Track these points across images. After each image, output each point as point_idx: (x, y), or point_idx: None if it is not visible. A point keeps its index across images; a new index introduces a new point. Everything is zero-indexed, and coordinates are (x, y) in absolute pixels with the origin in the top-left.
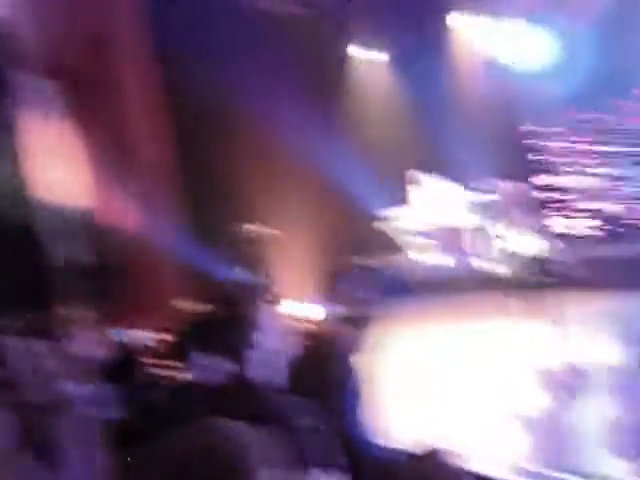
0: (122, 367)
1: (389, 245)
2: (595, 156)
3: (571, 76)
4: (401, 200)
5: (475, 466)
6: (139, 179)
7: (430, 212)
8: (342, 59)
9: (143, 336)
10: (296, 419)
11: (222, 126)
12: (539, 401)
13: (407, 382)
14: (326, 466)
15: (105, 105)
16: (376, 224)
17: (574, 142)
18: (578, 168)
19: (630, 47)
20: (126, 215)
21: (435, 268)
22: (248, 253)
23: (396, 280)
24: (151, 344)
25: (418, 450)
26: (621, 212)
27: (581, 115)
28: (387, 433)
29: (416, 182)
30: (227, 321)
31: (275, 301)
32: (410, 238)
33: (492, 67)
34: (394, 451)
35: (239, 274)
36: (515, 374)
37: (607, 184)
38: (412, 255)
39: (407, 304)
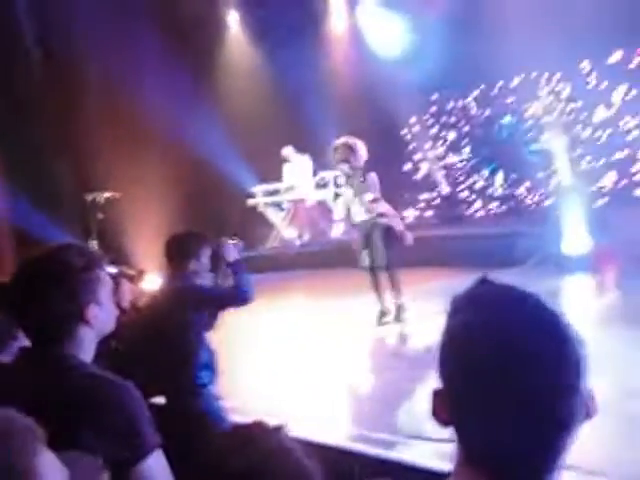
0: None
1: (257, 221)
2: (442, 142)
3: (424, 64)
4: (271, 177)
5: (307, 433)
6: None
7: (298, 189)
8: (216, 26)
9: None
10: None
11: (78, 88)
12: (373, 368)
13: (256, 354)
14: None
15: None
16: (246, 200)
17: (426, 128)
18: (429, 154)
19: (477, 42)
20: None
21: (297, 243)
22: (94, 221)
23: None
24: None
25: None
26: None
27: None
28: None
29: (287, 159)
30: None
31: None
32: (279, 214)
33: (359, 50)
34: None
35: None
36: (355, 344)
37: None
38: (279, 230)
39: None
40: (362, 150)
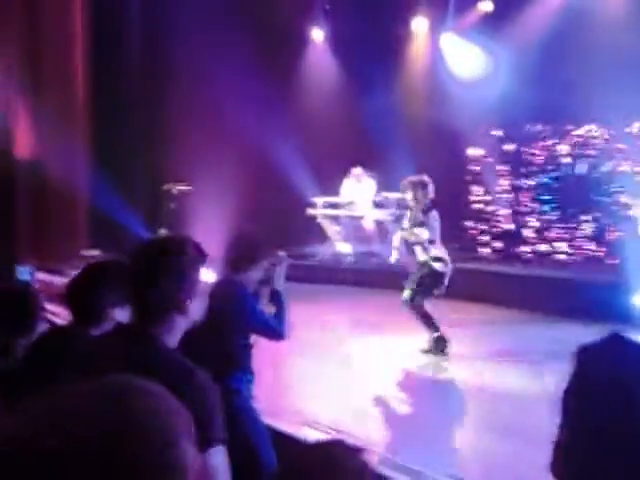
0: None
1: (314, 231)
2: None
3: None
4: (334, 190)
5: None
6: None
7: (358, 205)
8: (302, 40)
9: (50, 278)
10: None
11: (169, 86)
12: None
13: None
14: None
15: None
16: (307, 209)
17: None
18: (495, 187)
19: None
20: (42, 154)
21: (349, 258)
22: (166, 211)
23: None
24: (57, 287)
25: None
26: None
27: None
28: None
29: (354, 176)
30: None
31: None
32: (335, 227)
33: (439, 78)
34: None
35: (157, 232)
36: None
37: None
38: (333, 243)
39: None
40: (430, 187)
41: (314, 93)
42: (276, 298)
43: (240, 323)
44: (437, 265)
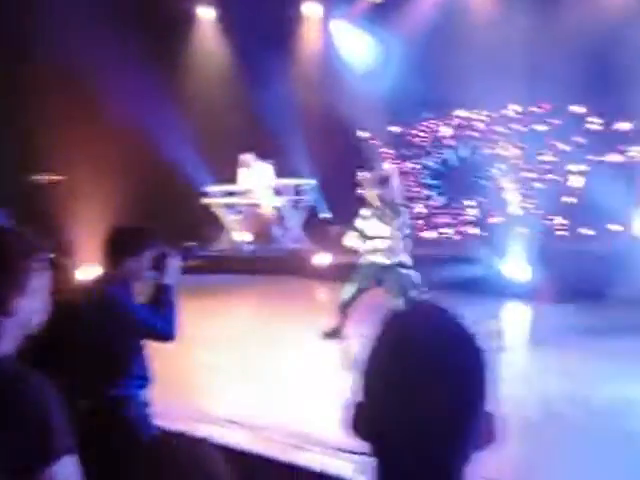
0: None
1: (210, 221)
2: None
3: (392, 83)
4: (227, 178)
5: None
6: None
7: (255, 193)
8: (188, 24)
9: None
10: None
11: (35, 69)
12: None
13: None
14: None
15: None
16: (199, 198)
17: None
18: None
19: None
20: None
21: (247, 247)
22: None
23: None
24: None
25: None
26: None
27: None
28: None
29: (246, 164)
30: None
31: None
32: (232, 216)
33: (329, 63)
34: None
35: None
36: (299, 349)
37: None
38: (231, 233)
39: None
40: (395, 181)
41: (203, 76)
42: (165, 293)
43: (119, 327)
44: (404, 271)
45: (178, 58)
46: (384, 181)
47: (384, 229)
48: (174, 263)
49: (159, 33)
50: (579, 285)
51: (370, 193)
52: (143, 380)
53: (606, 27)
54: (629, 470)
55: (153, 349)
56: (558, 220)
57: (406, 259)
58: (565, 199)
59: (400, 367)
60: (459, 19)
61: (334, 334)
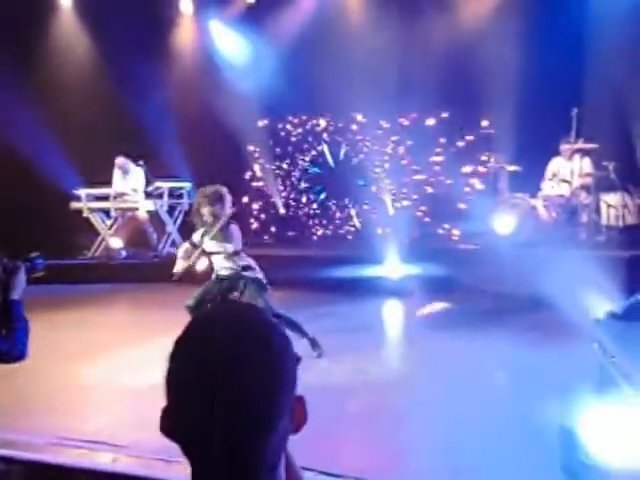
0: None
1: (80, 226)
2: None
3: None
4: (99, 181)
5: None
6: None
7: (129, 197)
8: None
9: None
10: None
11: None
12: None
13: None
14: None
15: None
16: (69, 204)
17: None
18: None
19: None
20: None
21: (122, 253)
22: None
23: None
24: None
25: None
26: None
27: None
28: None
29: (118, 166)
30: None
31: None
32: (105, 221)
33: (204, 61)
34: None
35: None
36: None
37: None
38: (105, 239)
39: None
40: (229, 201)
41: (65, 70)
42: (13, 310)
43: None
44: (248, 273)
45: (37, 47)
46: (221, 198)
47: (219, 246)
48: (19, 277)
49: (16, 17)
50: (450, 281)
51: (205, 210)
52: None
53: (465, 38)
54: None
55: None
56: (427, 220)
57: (249, 262)
58: (432, 202)
59: (195, 363)
60: (330, 25)
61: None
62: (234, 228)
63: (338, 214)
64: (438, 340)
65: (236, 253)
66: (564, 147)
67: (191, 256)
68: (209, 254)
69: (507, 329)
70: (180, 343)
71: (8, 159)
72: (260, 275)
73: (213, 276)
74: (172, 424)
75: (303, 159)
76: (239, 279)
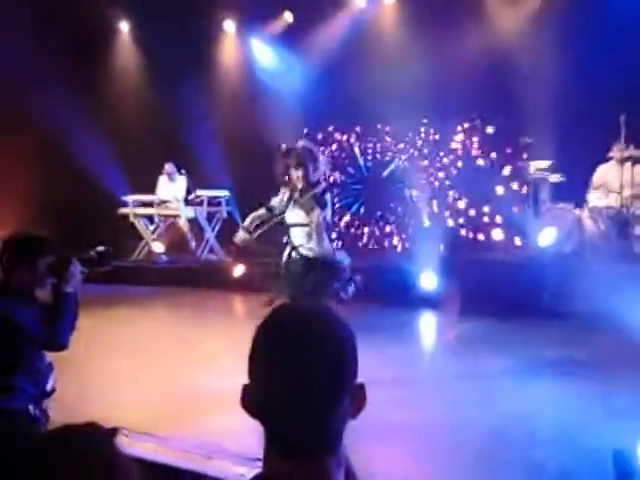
0: None
1: (127, 231)
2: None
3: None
4: (143, 189)
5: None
6: None
7: (171, 204)
8: (107, 33)
9: None
10: None
11: None
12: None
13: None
14: None
15: None
16: (119, 209)
17: None
18: None
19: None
20: None
21: (163, 258)
22: None
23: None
24: None
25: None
26: None
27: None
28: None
29: (167, 173)
30: None
31: None
32: (149, 227)
33: (247, 78)
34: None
35: None
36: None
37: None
38: (148, 243)
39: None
40: (323, 163)
41: (122, 86)
42: (63, 301)
43: (8, 338)
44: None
45: (98, 68)
46: (312, 155)
47: (305, 217)
48: (74, 270)
49: (81, 43)
50: (488, 296)
51: (297, 171)
52: (33, 393)
53: (502, 47)
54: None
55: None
56: (465, 231)
57: (328, 246)
58: (472, 211)
59: (276, 349)
60: (366, 40)
61: None
62: (329, 199)
63: (373, 226)
64: (474, 356)
65: (316, 232)
66: (616, 153)
67: (259, 226)
68: (288, 226)
69: (549, 348)
70: (261, 331)
71: (69, 167)
72: (347, 261)
73: (287, 252)
74: (251, 400)
75: (340, 170)
76: (317, 267)
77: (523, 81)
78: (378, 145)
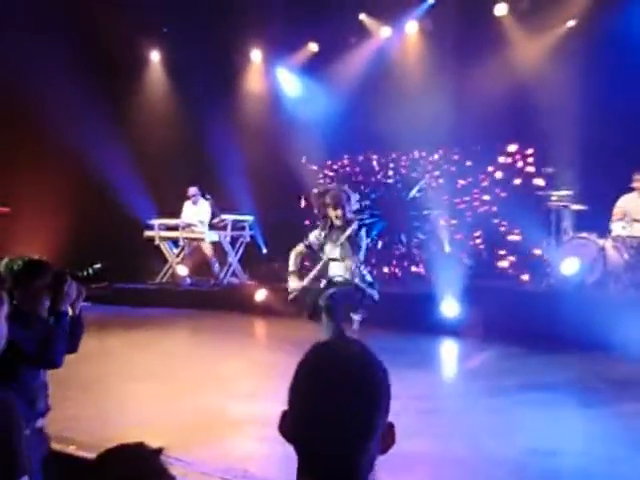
0: None
1: (152, 254)
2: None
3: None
4: (170, 212)
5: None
6: None
7: (196, 228)
8: (137, 61)
9: None
10: None
11: None
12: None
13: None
14: None
15: None
16: (145, 231)
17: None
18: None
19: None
20: None
21: (187, 281)
22: None
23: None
24: None
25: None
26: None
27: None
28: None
29: (191, 196)
30: None
31: None
32: (173, 250)
33: (273, 107)
34: None
35: None
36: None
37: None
38: (172, 266)
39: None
40: (354, 199)
41: (151, 114)
42: (56, 320)
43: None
44: (368, 289)
45: (128, 96)
46: (347, 196)
47: (345, 252)
48: (68, 289)
49: (113, 72)
50: (510, 324)
51: (335, 211)
52: (25, 412)
53: (524, 78)
54: None
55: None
56: (486, 257)
57: (370, 277)
58: (491, 241)
59: (314, 386)
60: (390, 70)
61: None
62: (363, 235)
63: (394, 251)
64: (495, 385)
65: (360, 263)
66: (636, 183)
67: (303, 263)
68: (328, 259)
69: (570, 380)
70: (303, 367)
71: (99, 191)
72: (376, 296)
73: (323, 283)
74: (289, 427)
75: (362, 196)
76: (358, 291)
77: (545, 111)
78: (400, 170)
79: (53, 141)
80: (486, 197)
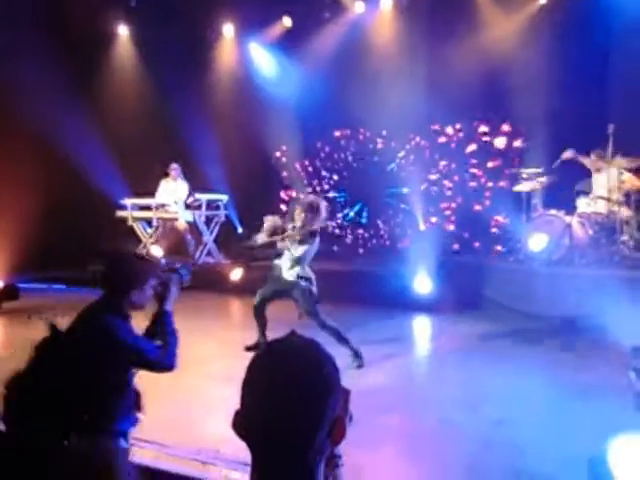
0: None
1: (125, 234)
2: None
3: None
4: (141, 192)
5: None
6: None
7: (170, 207)
8: (104, 37)
9: None
10: None
11: None
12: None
13: None
14: None
15: None
16: (117, 211)
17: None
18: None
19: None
20: None
21: (162, 261)
22: None
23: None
24: None
25: None
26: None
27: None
28: None
29: (172, 173)
30: None
31: None
32: (147, 230)
33: (245, 82)
34: None
35: None
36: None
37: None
38: (146, 246)
39: None
40: (322, 216)
41: (120, 92)
42: (164, 321)
43: (115, 359)
44: (306, 284)
45: (97, 72)
46: (313, 210)
47: (292, 247)
48: (173, 290)
49: (79, 47)
50: (480, 299)
51: (299, 214)
52: (132, 417)
53: (496, 55)
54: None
55: None
56: (457, 236)
57: (309, 274)
58: (464, 218)
59: (263, 383)
60: (362, 46)
61: (256, 347)
62: (314, 243)
63: (369, 229)
64: (465, 360)
65: (299, 260)
66: (591, 159)
67: (274, 234)
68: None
69: (537, 352)
70: (253, 365)
71: (67, 171)
72: (315, 290)
73: (277, 271)
74: (241, 424)
75: (334, 174)
76: (297, 287)
77: (515, 90)
78: (375, 147)
79: (19, 121)
80: (461, 174)
